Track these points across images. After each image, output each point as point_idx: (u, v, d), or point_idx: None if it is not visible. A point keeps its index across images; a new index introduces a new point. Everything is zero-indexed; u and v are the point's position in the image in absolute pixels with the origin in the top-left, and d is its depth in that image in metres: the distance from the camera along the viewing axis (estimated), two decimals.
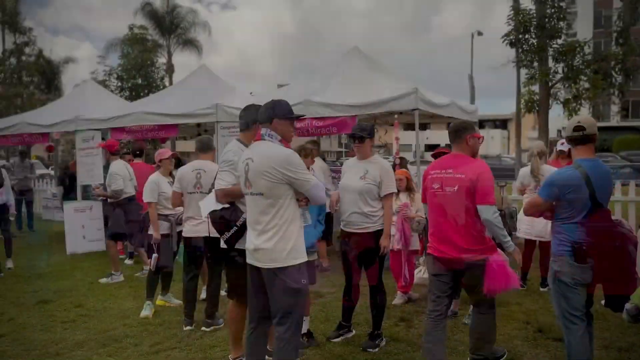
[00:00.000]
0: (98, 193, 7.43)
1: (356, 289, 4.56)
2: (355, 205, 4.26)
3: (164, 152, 5.71)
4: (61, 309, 5.68)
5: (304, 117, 6.70)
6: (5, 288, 6.61)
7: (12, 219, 8.25)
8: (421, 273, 6.16)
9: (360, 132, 4.38)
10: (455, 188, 3.51)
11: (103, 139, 8.97)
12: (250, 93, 10.48)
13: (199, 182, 4.77)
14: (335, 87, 7.88)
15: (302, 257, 3.05)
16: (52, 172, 18.49)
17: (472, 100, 25.04)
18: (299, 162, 3.09)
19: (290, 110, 3.32)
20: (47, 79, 32.82)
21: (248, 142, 3.69)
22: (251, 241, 3.14)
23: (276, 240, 3.02)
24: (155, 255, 5.32)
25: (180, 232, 5.68)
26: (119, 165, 6.98)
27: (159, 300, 5.67)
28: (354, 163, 4.47)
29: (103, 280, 6.82)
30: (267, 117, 3.22)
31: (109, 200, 7.12)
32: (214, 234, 3.76)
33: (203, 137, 5.18)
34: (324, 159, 10.89)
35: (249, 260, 3.20)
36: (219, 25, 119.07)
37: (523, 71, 18.32)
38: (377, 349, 4.31)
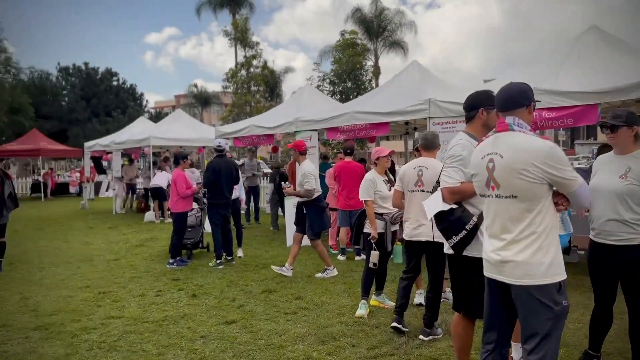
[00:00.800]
0: (289, 192, 7.31)
1: (609, 312, 3.74)
2: (613, 210, 3.47)
3: (381, 150, 5.55)
4: (283, 299, 5.96)
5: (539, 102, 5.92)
6: (236, 275, 7.26)
7: (242, 212, 9.13)
8: None
9: (611, 120, 3.56)
10: None
11: (318, 139, 9.35)
12: None
13: (420, 179, 4.47)
14: (568, 73, 6.83)
15: (563, 274, 2.47)
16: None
17: None
18: (564, 157, 2.48)
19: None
20: (270, 87, 36.68)
21: (478, 134, 3.25)
22: (495, 252, 2.63)
23: (532, 251, 2.47)
24: (376, 252, 5.20)
25: (395, 231, 5.49)
26: (310, 165, 7.08)
27: (373, 300, 5.56)
28: (610, 159, 3.65)
29: (319, 275, 7.03)
30: (512, 103, 2.65)
31: (299, 199, 7.14)
32: (438, 237, 3.41)
33: (427, 133, 4.82)
34: None
35: (490, 274, 2.70)
36: (424, 25, 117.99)
37: None
38: None
